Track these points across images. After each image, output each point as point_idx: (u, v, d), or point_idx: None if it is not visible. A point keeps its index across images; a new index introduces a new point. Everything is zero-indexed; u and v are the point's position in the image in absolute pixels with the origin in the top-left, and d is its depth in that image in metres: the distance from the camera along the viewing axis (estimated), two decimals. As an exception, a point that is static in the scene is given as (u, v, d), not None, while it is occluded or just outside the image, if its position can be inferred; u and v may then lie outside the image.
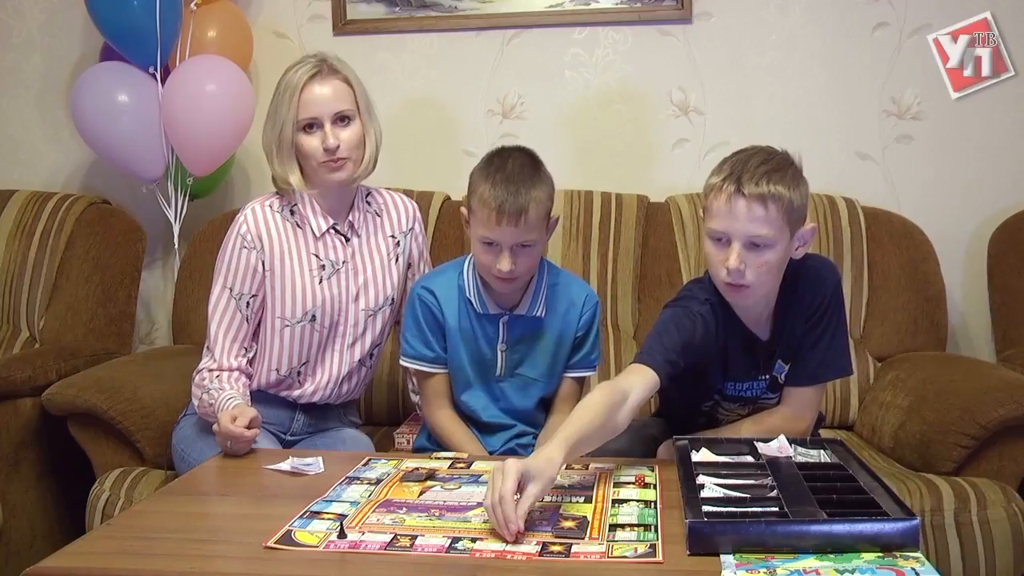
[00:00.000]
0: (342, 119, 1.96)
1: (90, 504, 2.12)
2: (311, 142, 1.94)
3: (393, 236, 2.11)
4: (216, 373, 1.98)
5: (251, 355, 2.03)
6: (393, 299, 2.09)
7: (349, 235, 2.05)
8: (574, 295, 2.00)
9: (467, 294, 1.95)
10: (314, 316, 2.01)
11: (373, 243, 2.08)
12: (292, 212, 2.03)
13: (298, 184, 1.97)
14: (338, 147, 1.94)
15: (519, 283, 1.91)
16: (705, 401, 1.87)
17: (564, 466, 1.47)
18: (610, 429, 1.57)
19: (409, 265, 2.13)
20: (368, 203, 2.11)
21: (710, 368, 1.79)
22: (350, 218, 2.05)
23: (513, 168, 1.84)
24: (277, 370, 2.03)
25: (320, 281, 2.01)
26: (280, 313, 2.00)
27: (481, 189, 1.83)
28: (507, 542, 1.33)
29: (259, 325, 2.03)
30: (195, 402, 2.00)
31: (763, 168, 1.64)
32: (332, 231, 2.03)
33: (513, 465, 1.36)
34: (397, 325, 2.15)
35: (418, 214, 2.17)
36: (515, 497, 1.34)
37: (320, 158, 1.94)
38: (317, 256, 2.02)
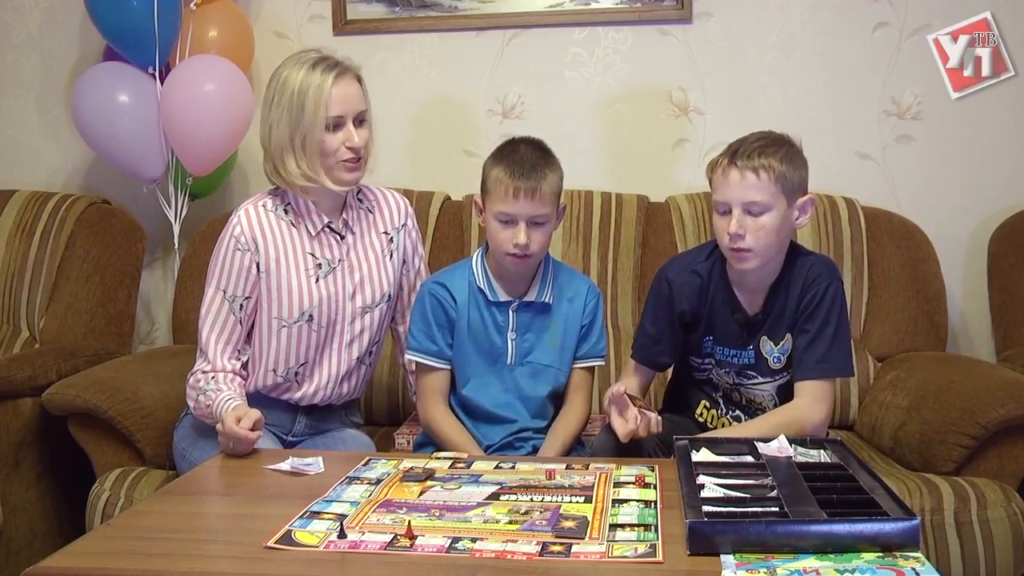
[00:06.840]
0: (361, 120, 1.97)
1: (90, 504, 2.12)
2: (335, 140, 1.93)
3: (386, 232, 2.10)
4: (211, 374, 1.97)
5: (245, 359, 2.02)
6: (389, 296, 2.09)
7: (344, 232, 2.04)
8: (577, 285, 2.08)
9: (478, 283, 2.01)
10: (311, 316, 2.00)
11: (367, 240, 2.08)
12: (286, 211, 2.02)
13: (334, 182, 1.94)
14: (360, 147, 1.95)
15: (532, 262, 1.97)
16: (694, 355, 1.99)
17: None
18: None
19: (404, 261, 2.13)
20: (360, 200, 2.10)
21: (698, 323, 1.97)
22: (344, 216, 2.04)
23: (526, 151, 1.96)
24: (275, 371, 2.02)
25: (316, 280, 2.00)
26: (277, 314, 1.99)
27: (496, 170, 1.94)
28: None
29: (252, 329, 2.02)
30: (191, 404, 1.99)
31: (758, 144, 1.83)
32: (327, 229, 2.03)
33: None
34: (393, 324, 2.16)
35: (410, 210, 2.17)
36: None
37: (343, 156, 1.94)
38: (313, 255, 2.01)
